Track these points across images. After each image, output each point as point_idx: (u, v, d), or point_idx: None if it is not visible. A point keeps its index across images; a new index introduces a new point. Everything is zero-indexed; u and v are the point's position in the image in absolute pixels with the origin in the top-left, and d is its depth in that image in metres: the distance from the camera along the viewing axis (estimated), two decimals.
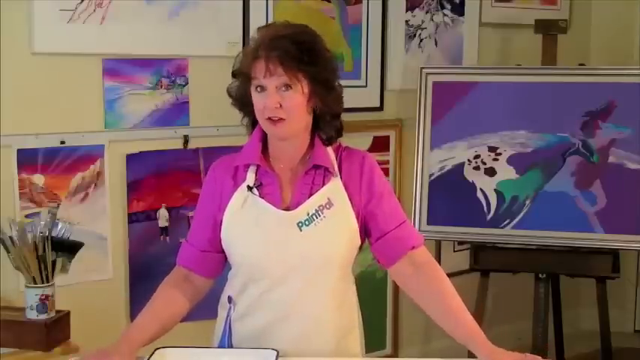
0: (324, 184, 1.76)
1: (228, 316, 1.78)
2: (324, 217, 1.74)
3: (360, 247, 1.83)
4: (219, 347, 1.78)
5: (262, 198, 1.75)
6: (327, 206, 1.74)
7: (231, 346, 1.76)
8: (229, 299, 1.79)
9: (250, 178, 1.77)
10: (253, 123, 1.82)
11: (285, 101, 1.68)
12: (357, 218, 1.77)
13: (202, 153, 2.88)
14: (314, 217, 1.73)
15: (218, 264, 1.83)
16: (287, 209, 1.74)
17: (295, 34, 1.71)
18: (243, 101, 1.78)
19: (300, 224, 1.72)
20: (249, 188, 1.75)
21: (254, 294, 1.76)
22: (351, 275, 1.85)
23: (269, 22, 2.94)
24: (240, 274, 1.78)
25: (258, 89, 1.70)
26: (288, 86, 1.68)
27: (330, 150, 1.81)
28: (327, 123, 1.78)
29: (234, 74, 1.79)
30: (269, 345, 1.68)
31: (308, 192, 1.75)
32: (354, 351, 1.84)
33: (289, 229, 1.72)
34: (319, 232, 1.73)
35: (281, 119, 1.69)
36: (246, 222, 1.75)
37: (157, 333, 1.73)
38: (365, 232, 1.80)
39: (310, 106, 1.73)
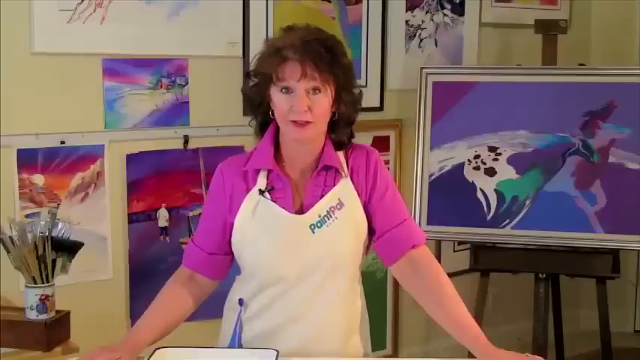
0: (334, 185, 1.76)
1: (238, 317, 1.78)
2: (336, 218, 1.74)
3: (369, 247, 1.83)
4: (228, 348, 1.78)
5: (274, 202, 1.74)
6: (338, 207, 1.75)
7: (240, 346, 1.76)
8: (240, 302, 1.79)
9: (262, 182, 1.76)
10: (262, 125, 1.81)
11: (314, 105, 1.68)
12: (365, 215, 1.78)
13: (202, 153, 2.88)
14: (325, 218, 1.73)
15: (224, 266, 1.83)
16: (299, 212, 1.74)
17: (323, 39, 1.71)
18: (258, 102, 1.77)
19: (313, 226, 1.72)
20: (261, 192, 1.75)
21: (268, 297, 1.76)
22: (359, 273, 1.85)
23: (269, 22, 2.95)
24: (254, 279, 1.77)
25: (284, 91, 1.69)
26: (317, 90, 1.68)
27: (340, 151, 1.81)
28: (340, 129, 1.78)
29: (251, 74, 1.77)
30: (279, 345, 1.68)
31: (320, 193, 1.75)
32: (361, 349, 1.84)
33: (302, 232, 1.72)
34: (331, 233, 1.73)
35: (308, 122, 1.68)
36: (259, 227, 1.74)
37: (161, 333, 1.73)
38: (369, 229, 1.80)
39: (331, 111, 1.74)
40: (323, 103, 1.69)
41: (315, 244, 1.72)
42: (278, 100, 1.70)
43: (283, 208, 1.74)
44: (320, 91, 1.68)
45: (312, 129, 1.70)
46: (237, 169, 1.79)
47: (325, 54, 1.68)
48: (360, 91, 1.81)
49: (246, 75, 1.80)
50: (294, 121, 1.69)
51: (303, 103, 1.67)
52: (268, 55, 1.71)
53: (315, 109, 1.68)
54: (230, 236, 1.78)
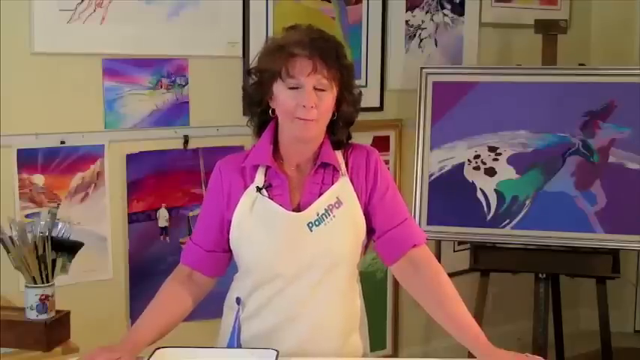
0: (332, 183, 1.76)
1: (237, 317, 1.78)
2: (334, 216, 1.74)
3: (367, 246, 1.83)
4: (227, 347, 1.77)
5: (271, 199, 1.74)
6: (337, 205, 1.75)
7: (239, 345, 1.75)
8: (238, 300, 1.78)
9: (259, 179, 1.76)
10: (260, 125, 1.81)
11: (319, 102, 1.68)
12: (363, 214, 1.78)
13: (202, 153, 2.88)
14: (324, 216, 1.73)
15: (222, 263, 1.83)
16: (296, 210, 1.74)
17: (328, 38, 1.73)
18: (258, 100, 1.77)
19: (311, 225, 1.72)
20: (259, 189, 1.75)
21: (264, 295, 1.76)
22: (357, 273, 1.85)
23: (269, 22, 2.95)
24: (250, 276, 1.78)
25: (292, 87, 1.68)
26: (322, 88, 1.68)
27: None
28: (340, 128, 1.79)
29: (254, 72, 1.76)
30: (277, 345, 1.68)
31: (317, 191, 1.75)
32: (356, 349, 1.84)
33: (300, 230, 1.72)
34: (330, 231, 1.73)
35: (311, 120, 1.68)
36: (256, 224, 1.74)
37: (161, 332, 1.73)
38: (368, 228, 1.80)
39: (333, 110, 1.74)
40: (328, 100, 1.70)
41: (313, 242, 1.72)
42: (284, 96, 1.70)
43: (281, 205, 1.74)
44: (326, 90, 1.69)
45: (315, 127, 1.71)
46: (235, 167, 1.79)
47: (332, 51, 1.70)
48: (360, 91, 1.82)
49: (248, 72, 1.80)
50: (299, 118, 1.68)
51: (312, 99, 1.67)
52: (273, 52, 1.71)
53: (321, 107, 1.69)
54: (228, 233, 1.78)
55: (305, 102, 1.67)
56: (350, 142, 1.84)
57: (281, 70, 1.68)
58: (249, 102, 1.81)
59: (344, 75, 1.73)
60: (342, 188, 1.77)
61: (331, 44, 1.72)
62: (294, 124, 1.70)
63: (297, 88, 1.68)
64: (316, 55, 1.67)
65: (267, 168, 1.77)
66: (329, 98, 1.70)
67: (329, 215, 1.74)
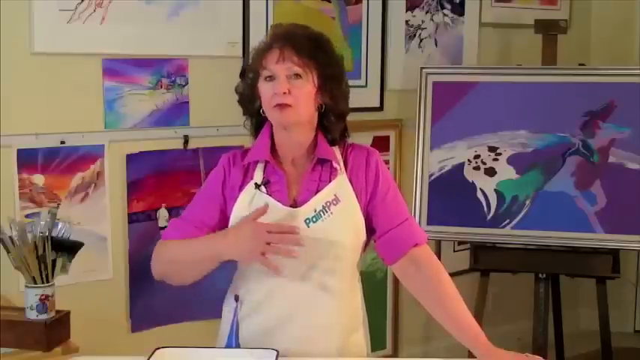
0: (330, 181, 1.77)
1: (235, 315, 1.78)
2: (332, 213, 1.74)
3: (367, 245, 1.83)
4: (225, 347, 1.77)
5: (270, 195, 1.75)
6: (334, 202, 1.75)
7: (238, 345, 1.75)
8: (236, 298, 1.79)
9: (258, 175, 1.78)
10: (256, 126, 1.82)
11: (294, 89, 1.71)
12: (363, 214, 1.78)
13: (202, 153, 2.88)
14: (321, 213, 1.74)
15: None
16: (294, 206, 1.75)
17: (309, 31, 1.77)
18: (250, 98, 1.79)
19: (308, 221, 1.73)
20: (257, 186, 1.76)
21: (262, 293, 1.76)
22: (357, 272, 1.85)
23: (269, 22, 2.95)
24: (249, 274, 1.78)
25: (268, 79, 1.72)
26: (298, 76, 1.71)
27: (335, 147, 1.82)
28: (332, 123, 1.80)
29: (243, 72, 1.80)
30: (276, 344, 1.68)
31: (315, 188, 1.76)
32: (360, 348, 1.84)
33: (297, 225, 1.72)
34: (327, 228, 1.73)
35: (287, 105, 1.70)
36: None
37: None
38: (369, 228, 1.80)
39: (317, 102, 1.75)
40: (304, 87, 1.72)
41: (310, 238, 1.72)
42: (263, 89, 1.74)
43: (278, 201, 1.74)
44: (301, 77, 1.71)
45: (292, 111, 1.72)
46: (238, 163, 1.81)
47: (306, 42, 1.73)
48: (347, 85, 1.83)
49: (240, 74, 1.82)
50: (276, 105, 1.71)
51: (283, 86, 1.70)
52: (256, 52, 1.77)
53: (295, 92, 1.71)
54: (225, 223, 1.78)
55: (277, 88, 1.70)
56: (347, 139, 1.84)
57: (257, 65, 1.73)
58: (243, 102, 1.82)
59: (322, 64, 1.74)
60: (340, 186, 1.77)
61: (308, 36, 1.75)
62: (273, 113, 1.73)
63: (273, 79, 1.71)
64: (287, 45, 1.71)
65: (266, 164, 1.78)
66: (305, 86, 1.72)
67: (327, 212, 1.74)
